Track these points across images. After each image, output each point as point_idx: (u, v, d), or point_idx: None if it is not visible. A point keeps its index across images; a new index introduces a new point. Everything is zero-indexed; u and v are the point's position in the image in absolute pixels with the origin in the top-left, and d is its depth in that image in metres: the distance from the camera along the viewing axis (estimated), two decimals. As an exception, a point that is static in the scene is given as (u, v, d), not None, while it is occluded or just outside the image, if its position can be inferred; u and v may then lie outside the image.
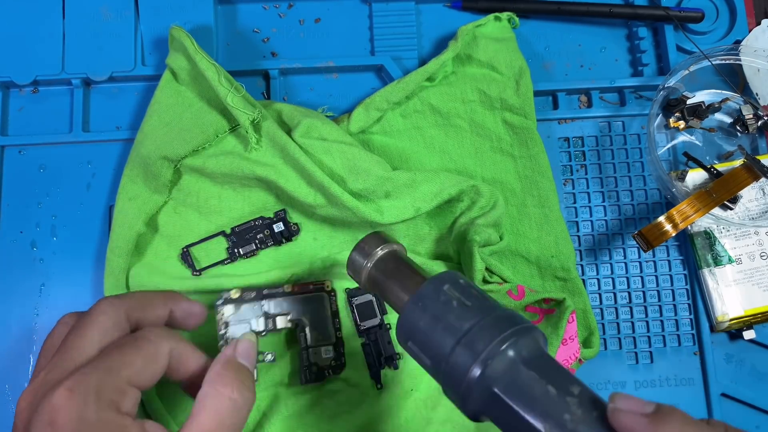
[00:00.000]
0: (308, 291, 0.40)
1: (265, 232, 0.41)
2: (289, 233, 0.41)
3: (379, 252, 0.28)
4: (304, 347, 0.39)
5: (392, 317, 0.41)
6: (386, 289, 0.28)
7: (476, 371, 0.21)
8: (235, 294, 0.38)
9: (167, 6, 0.44)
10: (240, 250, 0.41)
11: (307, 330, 0.39)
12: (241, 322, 0.38)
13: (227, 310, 0.38)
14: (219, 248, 0.41)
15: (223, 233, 0.41)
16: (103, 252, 0.42)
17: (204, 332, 0.39)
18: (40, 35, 0.44)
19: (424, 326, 0.24)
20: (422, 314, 0.24)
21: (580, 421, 0.19)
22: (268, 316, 0.39)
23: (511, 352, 0.21)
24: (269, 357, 0.37)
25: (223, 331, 0.38)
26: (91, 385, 0.26)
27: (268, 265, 0.41)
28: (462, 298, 0.23)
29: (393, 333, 0.41)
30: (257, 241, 0.41)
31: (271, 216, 0.41)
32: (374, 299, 0.41)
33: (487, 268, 0.37)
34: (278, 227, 0.41)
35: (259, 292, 0.39)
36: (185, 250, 0.41)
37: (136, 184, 0.40)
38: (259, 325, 0.38)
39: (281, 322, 0.39)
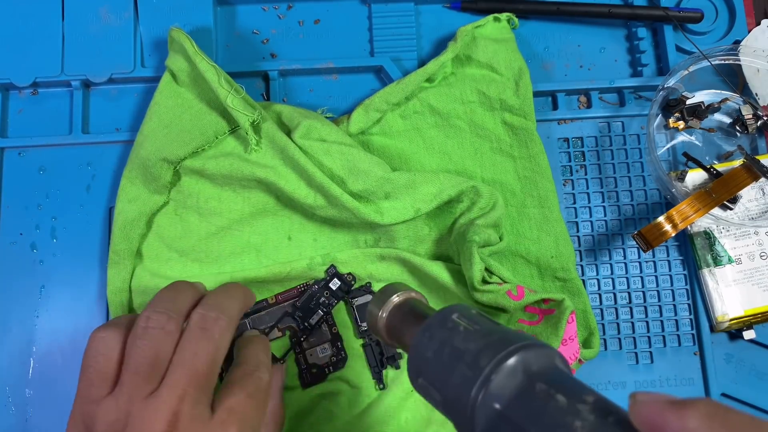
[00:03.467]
0: (293, 297, 0.40)
1: (326, 294, 0.40)
2: (348, 286, 0.40)
3: (395, 299, 0.27)
4: (299, 351, 0.39)
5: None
6: (401, 334, 0.26)
7: (479, 389, 0.20)
8: None
9: (167, 7, 0.44)
10: (310, 321, 0.40)
11: (299, 334, 0.40)
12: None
13: None
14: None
15: (286, 313, 0.40)
16: (104, 254, 0.42)
17: None
18: (39, 37, 0.44)
19: (430, 355, 0.22)
20: (429, 343, 0.23)
21: (594, 427, 0.18)
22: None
23: (517, 366, 0.20)
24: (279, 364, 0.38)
25: None
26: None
27: (269, 260, 0.41)
28: (469, 324, 0.22)
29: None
30: (322, 307, 0.40)
31: (324, 276, 0.41)
32: (374, 300, 0.41)
33: (486, 269, 0.37)
34: (335, 284, 0.40)
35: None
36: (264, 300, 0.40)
37: (136, 186, 0.40)
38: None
39: (272, 334, 0.39)
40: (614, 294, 0.43)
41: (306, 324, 0.40)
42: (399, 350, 0.40)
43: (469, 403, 0.20)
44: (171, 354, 0.28)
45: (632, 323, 0.43)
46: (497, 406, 0.20)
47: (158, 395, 0.26)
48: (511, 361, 0.20)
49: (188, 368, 0.27)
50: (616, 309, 0.43)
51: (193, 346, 0.28)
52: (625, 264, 0.44)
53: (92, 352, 0.28)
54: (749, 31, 0.46)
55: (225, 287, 0.33)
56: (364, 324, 0.40)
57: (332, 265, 0.41)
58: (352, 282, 0.40)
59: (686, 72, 0.43)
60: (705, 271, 0.42)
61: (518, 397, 0.19)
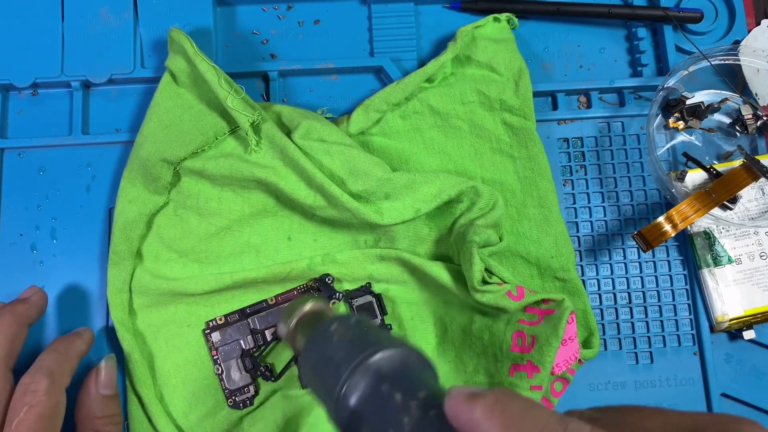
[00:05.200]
0: (293, 297, 0.40)
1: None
2: (332, 291, 0.40)
3: (304, 309, 0.30)
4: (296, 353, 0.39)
5: (392, 317, 0.41)
6: (300, 344, 0.29)
7: (339, 390, 0.22)
8: (220, 320, 0.40)
9: (166, 8, 0.44)
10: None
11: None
12: (231, 344, 0.39)
13: (215, 336, 0.40)
14: None
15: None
16: (104, 254, 0.42)
17: (196, 358, 0.40)
18: (39, 37, 0.44)
19: (311, 365, 0.25)
20: (311, 355, 0.25)
21: (416, 422, 0.20)
22: (256, 332, 0.39)
23: (369, 369, 0.22)
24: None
25: (216, 357, 0.40)
26: None
27: (269, 260, 0.41)
28: (344, 332, 0.25)
29: (393, 333, 0.41)
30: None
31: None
32: (374, 300, 0.41)
33: (486, 269, 0.37)
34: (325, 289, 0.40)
35: (242, 312, 0.40)
36: (264, 340, 0.40)
37: (136, 187, 0.40)
38: (249, 343, 0.39)
39: (270, 335, 0.39)
40: (614, 294, 0.43)
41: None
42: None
43: (334, 403, 0.23)
44: None
45: (632, 323, 0.43)
46: (352, 403, 0.22)
47: None
48: (364, 364, 0.22)
49: None
50: (616, 309, 0.43)
51: None
52: (625, 264, 0.44)
53: None
54: (749, 31, 0.46)
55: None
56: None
57: (326, 275, 0.41)
58: (330, 282, 0.41)
59: (686, 72, 0.43)
60: (705, 271, 0.42)
61: (368, 397, 0.22)
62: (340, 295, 0.40)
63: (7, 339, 0.34)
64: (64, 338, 0.37)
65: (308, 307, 0.30)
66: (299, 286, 0.41)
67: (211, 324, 0.40)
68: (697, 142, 0.45)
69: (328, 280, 0.40)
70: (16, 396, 0.32)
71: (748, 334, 0.42)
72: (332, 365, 0.23)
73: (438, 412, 0.20)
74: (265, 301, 0.40)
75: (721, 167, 0.43)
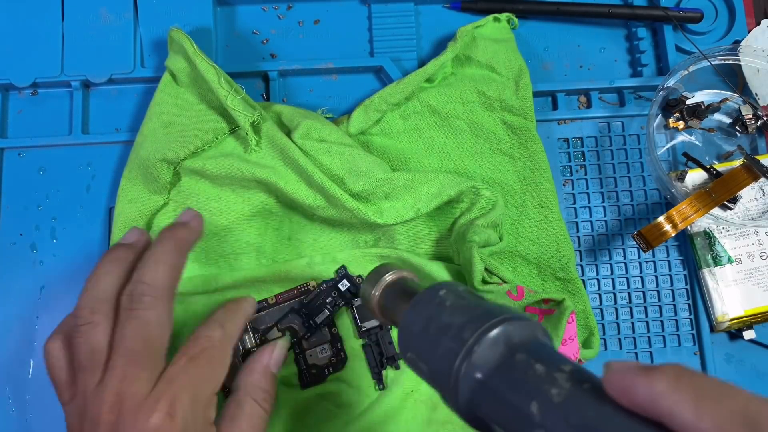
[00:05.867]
0: (293, 297, 0.40)
1: (333, 294, 0.40)
2: (356, 288, 0.40)
3: (387, 278, 0.28)
4: (298, 352, 0.39)
5: (392, 318, 0.41)
6: (393, 312, 0.27)
7: (462, 360, 0.20)
8: None
9: (166, 8, 0.44)
10: (315, 320, 0.40)
11: (300, 335, 0.40)
12: None
13: None
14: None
15: (292, 309, 0.40)
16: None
17: None
18: (39, 37, 0.44)
19: (417, 330, 0.23)
20: (417, 319, 0.24)
21: (569, 394, 0.18)
22: (257, 332, 0.39)
23: (499, 338, 0.21)
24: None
25: None
26: (188, 408, 0.28)
27: (269, 260, 0.41)
28: (456, 299, 0.23)
29: (393, 333, 0.41)
30: (329, 306, 0.40)
31: (332, 275, 0.41)
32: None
33: (486, 269, 0.37)
34: (344, 285, 0.40)
35: None
36: (264, 339, 0.40)
37: (136, 186, 0.40)
38: (250, 341, 0.39)
39: (271, 334, 0.39)
40: (614, 294, 0.43)
41: (311, 322, 0.40)
42: (399, 351, 0.40)
43: (453, 373, 0.21)
44: (106, 342, 0.29)
45: (632, 323, 0.43)
46: (479, 375, 0.20)
47: (103, 382, 0.28)
48: (493, 333, 0.20)
49: (121, 351, 0.28)
50: (616, 309, 0.43)
51: (122, 328, 0.29)
52: (625, 264, 0.44)
53: (47, 366, 0.31)
54: (749, 31, 0.46)
55: (153, 254, 0.32)
56: (365, 324, 0.40)
57: (343, 266, 0.41)
58: (359, 283, 0.40)
59: (686, 72, 0.43)
60: (705, 271, 0.42)
61: (499, 367, 0.20)
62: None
63: (171, 268, 0.31)
64: (234, 300, 0.36)
65: (393, 274, 0.28)
66: (300, 285, 0.41)
67: None
68: (697, 142, 0.45)
69: (359, 280, 0.40)
70: (191, 338, 0.31)
71: (748, 334, 0.42)
72: (449, 333, 0.21)
73: (593, 385, 0.18)
74: (266, 300, 0.40)
75: (721, 167, 0.43)
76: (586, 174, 0.45)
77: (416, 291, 0.26)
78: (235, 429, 0.31)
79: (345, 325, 0.41)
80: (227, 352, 0.32)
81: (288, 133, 0.40)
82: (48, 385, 0.40)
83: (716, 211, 0.42)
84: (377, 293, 0.28)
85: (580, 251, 0.44)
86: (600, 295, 0.43)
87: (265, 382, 0.34)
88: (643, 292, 0.43)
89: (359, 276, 0.41)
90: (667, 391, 0.16)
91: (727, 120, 0.45)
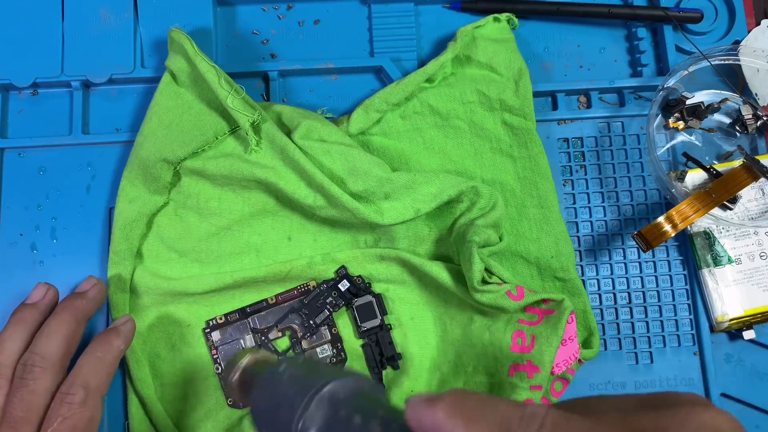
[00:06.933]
0: (293, 297, 0.40)
1: (333, 294, 0.40)
2: (356, 288, 0.40)
3: (243, 363, 0.30)
4: (298, 352, 0.39)
5: (392, 317, 0.41)
6: (248, 393, 0.29)
7: (296, 423, 0.22)
8: (220, 319, 0.40)
9: (166, 8, 0.44)
10: (315, 320, 0.40)
11: (299, 335, 0.40)
12: (231, 343, 0.39)
13: (215, 336, 0.40)
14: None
15: (292, 309, 0.40)
16: (104, 254, 0.42)
17: (196, 358, 0.40)
18: (39, 37, 0.44)
19: (263, 407, 0.25)
20: (261, 397, 0.26)
21: None
22: (256, 332, 0.39)
23: (323, 398, 0.23)
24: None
25: (216, 356, 0.40)
26: None
27: (269, 260, 0.41)
28: (293, 371, 0.25)
29: (394, 333, 0.41)
30: (329, 306, 0.40)
31: (332, 276, 0.41)
32: (374, 300, 0.41)
33: (486, 269, 0.37)
34: (344, 285, 0.40)
35: (243, 311, 0.40)
36: (264, 339, 0.40)
37: (136, 187, 0.40)
38: (249, 342, 0.39)
39: (272, 334, 0.39)
40: (614, 294, 0.43)
41: (311, 322, 0.40)
42: (399, 351, 0.40)
43: None
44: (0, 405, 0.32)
45: (632, 323, 0.43)
46: None
47: None
48: (320, 393, 0.23)
49: (7, 417, 0.32)
50: (616, 309, 0.43)
51: (12, 395, 0.32)
52: (625, 264, 0.44)
53: None
54: (749, 31, 0.46)
55: (48, 324, 0.35)
56: (365, 324, 0.40)
57: (343, 266, 0.41)
58: (362, 285, 0.40)
59: (686, 72, 0.43)
60: (705, 271, 0.42)
61: (327, 423, 0.22)
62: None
63: (65, 338, 0.34)
64: (103, 338, 0.36)
65: (248, 359, 0.30)
66: (300, 285, 0.41)
67: (211, 323, 0.40)
68: (697, 142, 0.45)
69: (359, 280, 0.41)
70: (53, 406, 0.33)
71: (748, 334, 0.42)
72: (286, 403, 0.24)
73: (399, 425, 0.20)
74: (265, 300, 0.40)
75: (721, 167, 0.43)
76: (586, 174, 0.45)
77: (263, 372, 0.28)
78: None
79: (345, 324, 0.41)
80: (93, 411, 0.33)
81: (288, 133, 0.40)
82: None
83: (716, 211, 0.42)
84: (235, 377, 0.30)
85: (580, 251, 0.44)
86: (600, 295, 0.43)
87: (81, 369, 0.35)
88: (643, 292, 0.43)
89: (359, 276, 0.41)
90: (444, 418, 0.18)
91: (727, 120, 0.45)
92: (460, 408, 0.19)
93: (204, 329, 0.40)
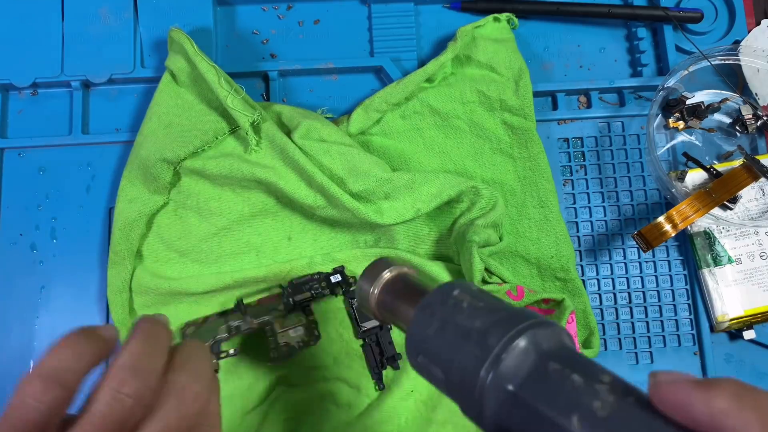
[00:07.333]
0: (273, 299, 0.40)
1: (322, 284, 0.40)
2: (347, 285, 0.40)
3: (386, 275, 0.25)
4: (270, 335, 0.38)
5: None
6: (396, 311, 0.25)
7: (489, 369, 0.19)
8: (200, 321, 0.40)
9: (166, 8, 0.44)
10: (295, 298, 0.39)
11: (275, 325, 0.39)
12: (205, 333, 0.39)
13: (190, 330, 0.40)
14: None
15: (280, 286, 0.40)
16: (104, 254, 0.42)
17: None
18: (39, 38, 0.44)
19: (432, 333, 0.21)
20: (430, 320, 0.21)
21: (614, 408, 0.17)
22: (231, 329, 0.38)
23: (527, 345, 0.19)
24: (231, 352, 0.36)
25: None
26: None
27: (269, 260, 0.41)
28: (473, 301, 0.21)
29: (394, 333, 0.41)
30: (313, 291, 0.40)
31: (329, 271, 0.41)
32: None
33: (486, 269, 0.37)
34: (335, 278, 0.40)
35: (222, 314, 0.40)
36: (240, 301, 0.40)
37: (136, 187, 0.40)
38: (223, 332, 0.38)
39: (246, 326, 0.38)
40: (614, 294, 0.43)
41: (291, 300, 0.39)
42: (399, 352, 0.40)
43: (478, 383, 0.19)
44: None
45: (632, 323, 0.43)
46: (510, 387, 0.18)
47: None
48: (522, 339, 0.19)
49: None
50: (616, 309, 0.43)
51: None
52: (625, 264, 0.44)
53: None
54: (749, 31, 0.46)
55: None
56: (365, 324, 0.40)
57: (342, 266, 0.41)
58: (353, 283, 0.40)
59: (686, 72, 0.43)
60: (705, 271, 0.42)
61: (531, 377, 0.18)
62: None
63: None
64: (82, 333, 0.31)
65: (393, 270, 0.25)
66: (295, 279, 0.41)
67: (188, 322, 0.40)
68: (697, 142, 0.45)
69: (352, 280, 0.40)
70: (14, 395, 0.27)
71: (748, 334, 0.42)
72: (471, 338, 0.20)
73: (637, 398, 0.17)
74: (248, 306, 0.40)
75: (721, 167, 0.43)
76: (586, 174, 0.45)
77: (421, 289, 0.24)
78: None
79: (345, 326, 0.41)
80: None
81: (288, 133, 0.40)
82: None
83: (716, 211, 0.42)
84: (376, 291, 0.25)
85: (580, 251, 0.44)
86: (600, 295, 0.43)
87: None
88: (643, 292, 0.43)
89: (353, 277, 0.41)
90: (729, 409, 0.15)
91: (727, 120, 0.45)
92: (752, 402, 0.15)
93: (181, 328, 0.40)
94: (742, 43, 0.44)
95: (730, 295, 0.42)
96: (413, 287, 0.24)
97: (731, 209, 0.42)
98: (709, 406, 0.16)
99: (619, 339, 0.43)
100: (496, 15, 0.44)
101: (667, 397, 0.16)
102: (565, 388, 0.18)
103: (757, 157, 0.42)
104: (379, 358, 0.40)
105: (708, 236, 0.43)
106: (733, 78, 0.45)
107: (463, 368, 0.19)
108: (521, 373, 0.18)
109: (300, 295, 0.39)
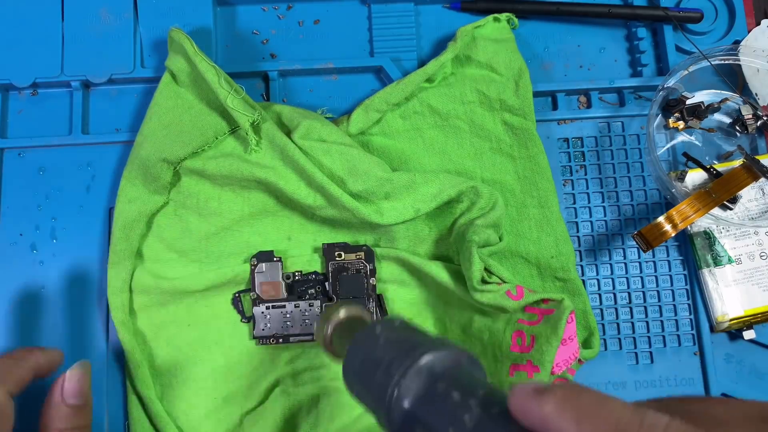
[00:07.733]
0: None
1: (317, 288, 0.40)
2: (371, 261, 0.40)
3: (339, 317, 0.29)
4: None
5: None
6: (341, 349, 0.28)
7: (392, 391, 0.22)
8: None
9: (166, 8, 0.44)
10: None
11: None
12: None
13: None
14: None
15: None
16: (104, 254, 0.42)
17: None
18: (39, 37, 0.44)
19: (357, 367, 0.25)
20: (356, 356, 0.25)
21: (479, 419, 0.19)
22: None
23: (422, 369, 0.22)
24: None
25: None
26: None
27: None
28: (389, 334, 0.25)
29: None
30: (308, 295, 0.40)
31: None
32: (374, 300, 0.41)
33: (486, 269, 0.37)
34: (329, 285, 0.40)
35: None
36: (237, 295, 0.41)
37: (136, 187, 0.40)
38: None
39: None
40: (614, 294, 0.43)
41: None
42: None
43: (385, 405, 0.22)
44: None
45: (632, 323, 0.43)
46: (406, 405, 0.22)
47: None
48: (416, 364, 0.22)
49: None
50: (616, 309, 0.43)
51: None
52: (625, 264, 0.44)
53: None
54: (749, 31, 0.46)
55: None
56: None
57: None
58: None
59: (686, 72, 0.43)
60: (705, 271, 0.42)
61: (423, 396, 0.22)
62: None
63: None
64: (26, 348, 0.35)
65: (344, 312, 0.29)
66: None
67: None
68: (697, 142, 0.45)
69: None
70: None
71: (748, 334, 0.42)
72: (380, 368, 0.23)
73: (501, 409, 0.19)
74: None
75: (721, 167, 0.43)
76: (586, 174, 0.45)
77: (360, 329, 0.27)
78: None
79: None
80: None
81: (288, 133, 0.40)
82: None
83: (716, 211, 0.42)
84: (329, 331, 0.29)
85: (580, 251, 0.44)
86: (600, 295, 0.43)
87: (62, 420, 0.32)
88: (643, 292, 0.43)
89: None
90: (554, 412, 0.17)
91: (727, 120, 0.45)
92: (573, 404, 0.17)
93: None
94: (742, 43, 0.44)
95: (730, 295, 0.42)
96: (355, 328, 0.28)
97: (731, 209, 0.42)
98: (541, 411, 0.18)
99: (619, 339, 0.43)
100: (496, 15, 0.44)
101: (515, 405, 0.19)
102: (447, 404, 0.21)
103: (757, 157, 0.42)
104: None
105: (708, 236, 0.43)
106: (733, 78, 0.45)
107: (376, 393, 0.23)
108: (415, 394, 0.22)
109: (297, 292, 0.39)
